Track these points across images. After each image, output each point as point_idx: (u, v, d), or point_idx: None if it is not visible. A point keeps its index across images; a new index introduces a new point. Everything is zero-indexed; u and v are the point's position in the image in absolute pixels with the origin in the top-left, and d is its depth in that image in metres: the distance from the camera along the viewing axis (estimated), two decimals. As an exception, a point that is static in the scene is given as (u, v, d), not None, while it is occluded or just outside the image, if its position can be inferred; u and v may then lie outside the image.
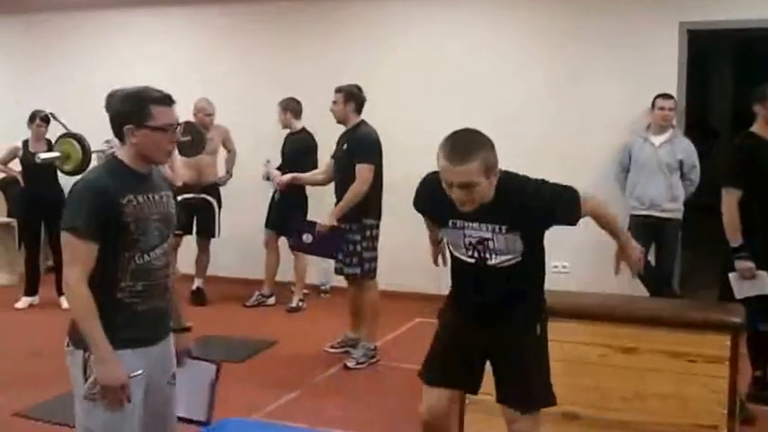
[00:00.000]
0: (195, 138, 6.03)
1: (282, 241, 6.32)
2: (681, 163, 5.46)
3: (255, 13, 7.06)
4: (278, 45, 6.97)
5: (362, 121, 4.95)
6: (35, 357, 4.85)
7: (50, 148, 6.31)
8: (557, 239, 6.09)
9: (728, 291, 4.03)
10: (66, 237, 2.33)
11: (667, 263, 5.55)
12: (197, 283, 6.55)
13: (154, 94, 2.43)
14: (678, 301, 5.17)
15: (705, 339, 3.33)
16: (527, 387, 2.83)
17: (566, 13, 6.18)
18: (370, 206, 4.81)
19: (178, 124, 2.49)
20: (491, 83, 6.39)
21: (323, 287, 6.72)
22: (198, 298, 6.49)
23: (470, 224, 2.73)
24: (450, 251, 2.90)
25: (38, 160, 5.78)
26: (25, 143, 6.35)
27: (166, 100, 2.44)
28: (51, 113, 6.22)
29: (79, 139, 5.52)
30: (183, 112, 6.13)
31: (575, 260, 6.17)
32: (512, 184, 2.74)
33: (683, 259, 5.88)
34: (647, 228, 5.46)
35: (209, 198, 6.38)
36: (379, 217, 4.88)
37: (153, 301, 2.45)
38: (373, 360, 4.88)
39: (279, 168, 6.15)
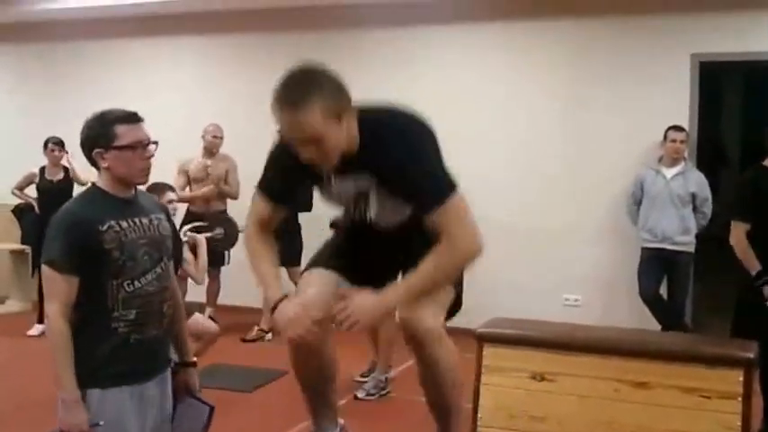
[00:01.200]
0: (227, 230, 6.01)
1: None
2: (693, 196, 5.44)
3: (270, 44, 7.14)
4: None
5: None
6: (46, 386, 4.85)
7: (67, 174, 6.41)
8: (567, 272, 6.17)
9: (741, 325, 4.01)
10: (44, 270, 2.30)
11: (679, 296, 5.52)
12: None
13: (117, 113, 2.39)
14: (690, 335, 5.15)
15: (718, 375, 3.30)
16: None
17: (579, 44, 6.22)
18: None
19: (150, 142, 2.42)
20: (504, 115, 6.42)
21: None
22: (210, 326, 6.49)
23: (339, 178, 2.29)
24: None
25: None
26: (42, 170, 6.45)
27: (131, 118, 2.39)
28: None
29: None
30: (199, 140, 6.29)
31: (586, 293, 6.16)
32: (372, 130, 2.19)
33: (693, 291, 5.84)
34: (659, 261, 5.46)
35: (218, 230, 6.35)
36: None
37: (149, 329, 2.39)
38: (384, 392, 4.86)
39: None
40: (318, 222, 6.15)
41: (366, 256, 2.49)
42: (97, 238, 2.29)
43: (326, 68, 2.14)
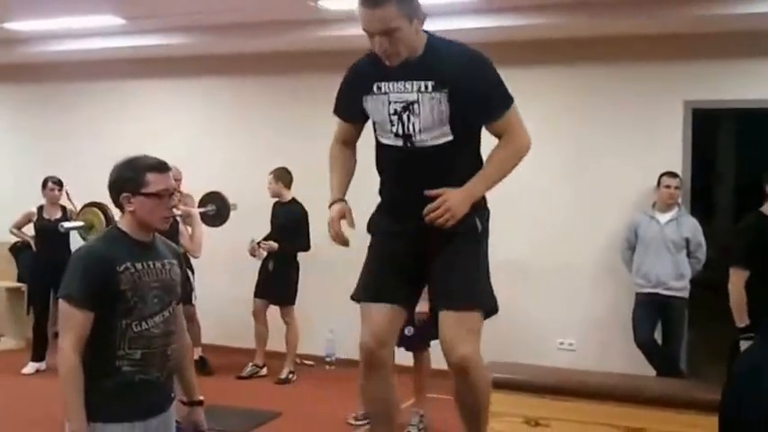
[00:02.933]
0: (219, 208, 6.07)
1: (272, 310, 6.32)
2: (687, 241, 5.46)
3: (269, 87, 7.23)
4: (288, 119, 7.11)
5: None
6: (38, 425, 4.84)
7: (65, 213, 6.45)
8: (562, 317, 6.19)
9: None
10: (61, 304, 2.36)
11: (674, 341, 5.50)
12: (197, 353, 6.53)
13: (149, 161, 2.47)
14: (685, 381, 5.15)
15: (713, 421, 3.29)
16: (463, 286, 2.60)
17: (574, 91, 6.31)
18: None
19: (176, 190, 2.54)
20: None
21: (328, 359, 6.67)
22: (203, 367, 6.47)
23: (395, 84, 2.54)
24: (378, 139, 2.69)
25: (61, 229, 5.80)
26: (40, 209, 6.49)
27: (162, 167, 2.48)
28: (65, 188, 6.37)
29: (103, 210, 5.54)
30: (203, 181, 6.32)
31: (581, 338, 6.17)
32: (442, 42, 2.57)
33: (688, 337, 5.84)
34: (653, 306, 5.45)
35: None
36: None
37: (152, 370, 2.43)
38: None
39: (267, 238, 6.24)
40: (315, 262, 6.24)
41: (403, 258, 2.67)
42: (115, 278, 2.36)
43: None
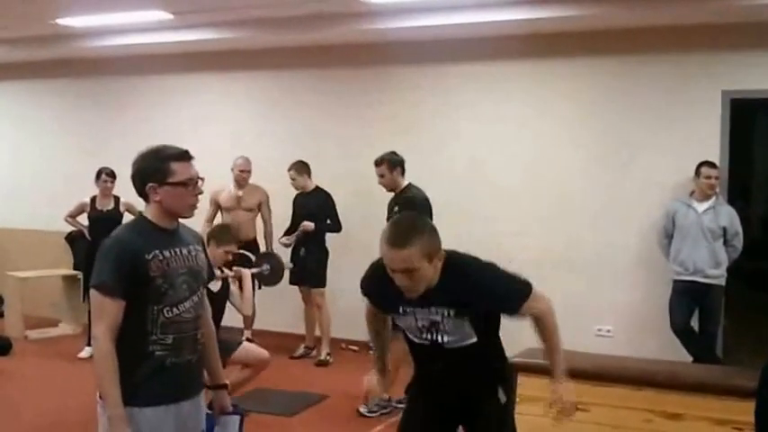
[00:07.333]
0: (274, 267, 6.17)
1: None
2: (724, 230, 5.52)
3: (310, 79, 7.33)
4: (331, 111, 7.22)
5: (410, 184, 5.39)
6: (93, 406, 5.03)
7: (117, 204, 6.63)
8: (600, 304, 6.26)
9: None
10: (93, 293, 2.39)
11: (710, 328, 5.58)
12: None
13: (172, 151, 2.49)
14: (722, 367, 5.17)
15: (751, 407, 3.38)
16: None
17: (612, 82, 6.34)
18: None
19: (199, 178, 2.53)
20: (544, 152, 6.55)
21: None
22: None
23: (420, 310, 2.70)
24: (405, 335, 2.86)
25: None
26: (93, 199, 6.67)
27: (185, 156, 2.50)
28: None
29: None
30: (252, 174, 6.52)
31: (618, 324, 6.24)
32: (457, 268, 2.67)
33: (723, 324, 5.86)
34: (690, 293, 5.53)
35: (248, 254, 6.43)
36: None
37: (184, 354, 2.48)
38: (386, 411, 5.11)
39: (289, 229, 6.54)
40: (343, 249, 6.47)
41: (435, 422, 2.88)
42: (144, 266, 2.39)
43: (426, 219, 2.73)
